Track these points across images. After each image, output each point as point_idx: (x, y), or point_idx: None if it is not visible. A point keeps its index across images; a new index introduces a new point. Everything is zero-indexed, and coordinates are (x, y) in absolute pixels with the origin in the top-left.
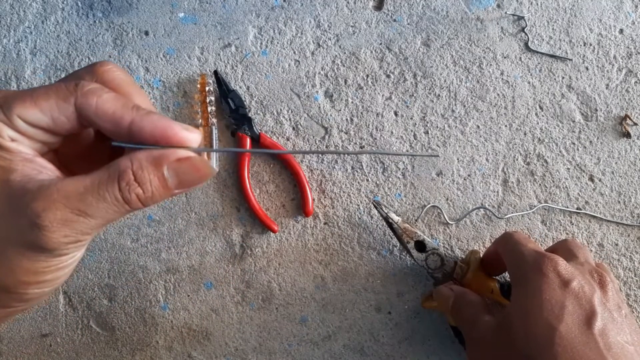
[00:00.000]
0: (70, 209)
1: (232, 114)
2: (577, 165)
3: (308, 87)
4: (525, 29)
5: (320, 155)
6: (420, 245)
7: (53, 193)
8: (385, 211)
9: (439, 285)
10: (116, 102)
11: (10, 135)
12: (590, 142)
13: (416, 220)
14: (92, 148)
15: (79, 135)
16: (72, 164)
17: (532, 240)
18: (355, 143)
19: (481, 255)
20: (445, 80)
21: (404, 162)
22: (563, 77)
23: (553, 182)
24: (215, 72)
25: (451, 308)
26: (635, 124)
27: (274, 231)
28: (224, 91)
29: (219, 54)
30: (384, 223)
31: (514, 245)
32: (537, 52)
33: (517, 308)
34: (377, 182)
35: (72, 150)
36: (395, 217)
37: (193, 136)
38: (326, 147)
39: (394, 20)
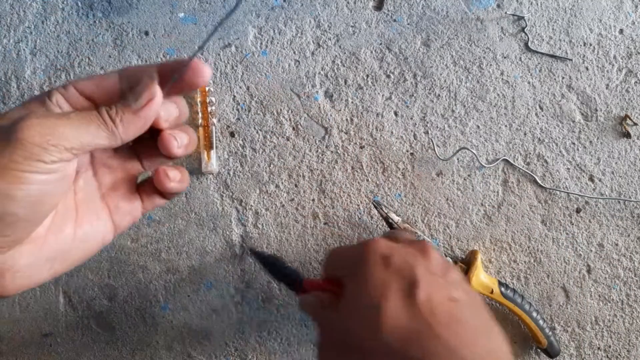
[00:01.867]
0: (52, 113)
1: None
2: (577, 165)
3: (308, 87)
4: (525, 29)
5: (320, 155)
6: None
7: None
8: (385, 211)
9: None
10: (150, 65)
11: (60, 104)
12: (590, 142)
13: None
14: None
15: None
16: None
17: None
18: (355, 143)
19: (481, 256)
20: (445, 81)
21: (403, 162)
22: (563, 77)
23: (553, 182)
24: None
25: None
26: (635, 124)
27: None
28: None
29: (219, 54)
30: (384, 223)
31: (336, 257)
32: (537, 52)
33: (348, 298)
34: (377, 182)
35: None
36: (395, 217)
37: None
38: (326, 147)
39: (394, 21)
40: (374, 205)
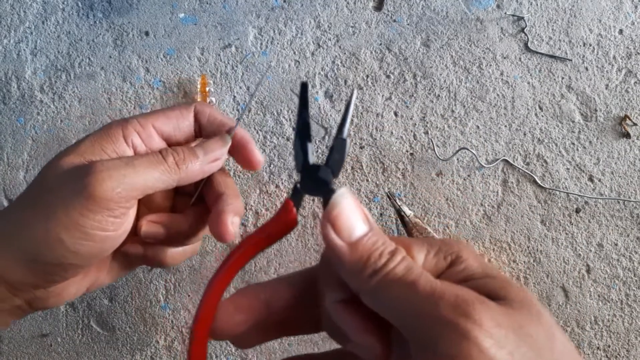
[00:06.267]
0: (118, 160)
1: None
2: (577, 165)
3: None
4: (524, 30)
5: (320, 155)
6: None
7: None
8: (399, 203)
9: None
10: (222, 115)
11: (135, 143)
12: (590, 142)
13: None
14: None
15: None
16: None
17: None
18: (355, 143)
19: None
20: (445, 81)
21: (403, 162)
22: (563, 78)
23: (553, 182)
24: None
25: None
26: (635, 124)
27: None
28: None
29: (219, 55)
30: (393, 217)
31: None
32: (537, 52)
33: None
34: (377, 182)
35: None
36: (407, 211)
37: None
38: (326, 147)
39: (394, 21)
40: (388, 196)
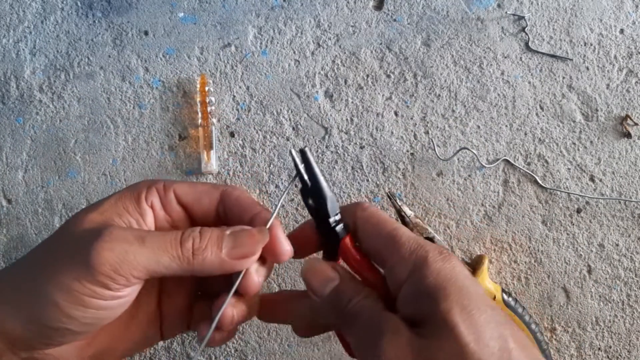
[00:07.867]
0: (130, 233)
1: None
2: (578, 165)
3: (308, 87)
4: (525, 29)
5: (320, 155)
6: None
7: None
8: (399, 204)
9: (315, 259)
10: (252, 198)
11: (154, 205)
12: (591, 142)
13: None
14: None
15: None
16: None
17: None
18: (356, 143)
19: (488, 262)
20: (445, 80)
21: (404, 162)
22: (564, 77)
23: (554, 182)
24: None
25: (328, 300)
26: (636, 124)
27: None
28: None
29: (218, 54)
30: (394, 217)
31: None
32: (538, 52)
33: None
34: (377, 182)
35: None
36: (408, 211)
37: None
38: (326, 147)
39: (394, 20)
40: (388, 197)
